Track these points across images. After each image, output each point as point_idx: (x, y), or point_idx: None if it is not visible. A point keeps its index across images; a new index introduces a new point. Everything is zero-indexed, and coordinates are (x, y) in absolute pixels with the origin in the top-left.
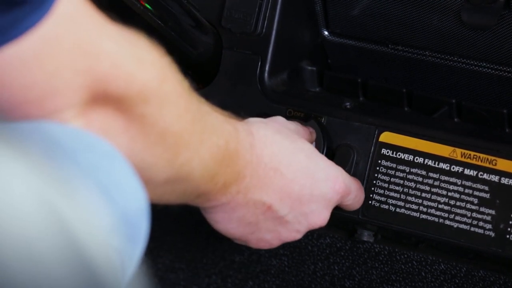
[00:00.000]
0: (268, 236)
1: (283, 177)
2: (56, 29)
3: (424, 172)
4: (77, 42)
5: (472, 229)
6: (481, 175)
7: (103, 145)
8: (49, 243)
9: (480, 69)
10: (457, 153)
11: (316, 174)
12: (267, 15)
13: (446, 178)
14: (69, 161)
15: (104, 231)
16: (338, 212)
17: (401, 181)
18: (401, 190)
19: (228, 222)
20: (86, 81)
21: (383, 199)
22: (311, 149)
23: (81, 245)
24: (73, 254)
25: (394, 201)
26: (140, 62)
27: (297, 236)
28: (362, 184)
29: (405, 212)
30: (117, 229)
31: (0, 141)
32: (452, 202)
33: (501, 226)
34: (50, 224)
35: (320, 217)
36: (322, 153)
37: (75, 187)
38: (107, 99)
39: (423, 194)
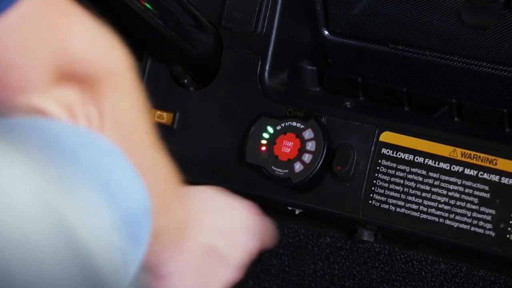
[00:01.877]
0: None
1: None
2: (34, 8)
3: (424, 172)
4: (52, 23)
5: (472, 228)
6: (481, 174)
7: (104, 144)
8: (50, 243)
9: (480, 68)
10: (457, 152)
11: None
12: (268, 14)
13: (446, 178)
14: (70, 160)
15: (105, 231)
16: (338, 212)
17: (401, 181)
18: (401, 189)
19: (182, 274)
20: (58, 61)
21: (383, 198)
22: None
23: (81, 245)
24: (74, 254)
25: (394, 201)
26: (111, 47)
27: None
28: (362, 183)
29: (405, 211)
30: (118, 229)
31: (1, 140)
32: (452, 201)
33: (501, 225)
34: (51, 225)
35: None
36: (322, 153)
37: (76, 187)
38: (74, 80)
39: (423, 194)
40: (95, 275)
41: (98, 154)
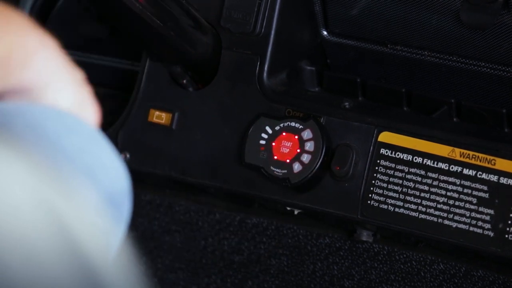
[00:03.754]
0: None
1: None
2: None
3: (423, 172)
4: None
5: (471, 228)
6: (480, 174)
7: (86, 127)
8: (49, 241)
9: (479, 68)
10: (456, 153)
11: None
12: (266, 15)
13: (445, 178)
14: (55, 147)
15: (96, 220)
16: (337, 212)
17: (400, 181)
18: (400, 190)
19: None
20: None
21: (382, 199)
22: None
23: (77, 240)
24: (71, 250)
25: (393, 201)
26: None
27: None
28: (361, 184)
29: (404, 212)
30: (104, 213)
31: None
32: (451, 201)
33: (500, 225)
34: (50, 223)
35: None
36: (321, 153)
37: (68, 178)
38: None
39: (422, 194)
40: (89, 267)
41: (82, 138)
